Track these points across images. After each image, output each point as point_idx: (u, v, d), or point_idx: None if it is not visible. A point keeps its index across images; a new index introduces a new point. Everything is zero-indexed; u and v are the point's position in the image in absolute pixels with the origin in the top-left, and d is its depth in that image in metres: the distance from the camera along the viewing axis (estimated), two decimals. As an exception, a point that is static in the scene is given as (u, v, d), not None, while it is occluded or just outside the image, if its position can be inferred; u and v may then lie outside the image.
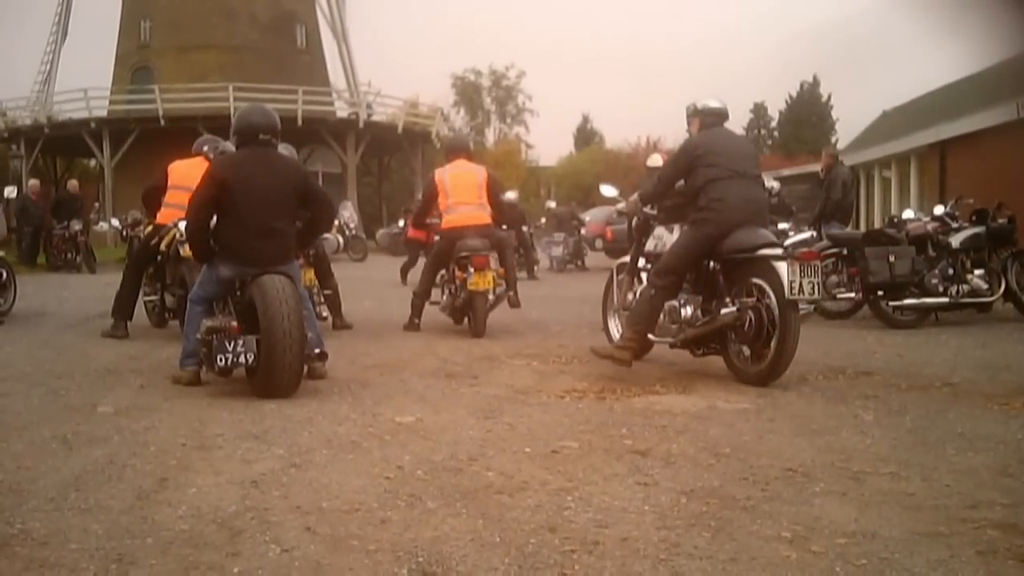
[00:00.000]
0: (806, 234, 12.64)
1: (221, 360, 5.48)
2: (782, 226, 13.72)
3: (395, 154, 39.43)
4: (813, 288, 5.80)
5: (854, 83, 74.62)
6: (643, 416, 5.08)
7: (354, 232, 24.46)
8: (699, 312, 6.28)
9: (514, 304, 8.87)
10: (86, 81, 53.63)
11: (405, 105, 37.48)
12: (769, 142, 61.91)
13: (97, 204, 29.84)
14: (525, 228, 17.73)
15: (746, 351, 6.15)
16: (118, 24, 37.98)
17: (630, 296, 7.03)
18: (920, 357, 7.24)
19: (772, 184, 15.58)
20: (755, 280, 5.98)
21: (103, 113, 34.02)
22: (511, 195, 18.94)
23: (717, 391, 5.80)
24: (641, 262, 6.96)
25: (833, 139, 53.14)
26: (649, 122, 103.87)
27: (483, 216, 8.75)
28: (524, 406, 5.38)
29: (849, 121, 64.65)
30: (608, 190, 9.20)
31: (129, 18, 37.22)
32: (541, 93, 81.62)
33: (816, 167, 16.33)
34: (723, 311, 6.08)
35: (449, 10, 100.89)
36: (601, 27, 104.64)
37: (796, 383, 6.05)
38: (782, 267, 5.79)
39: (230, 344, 5.48)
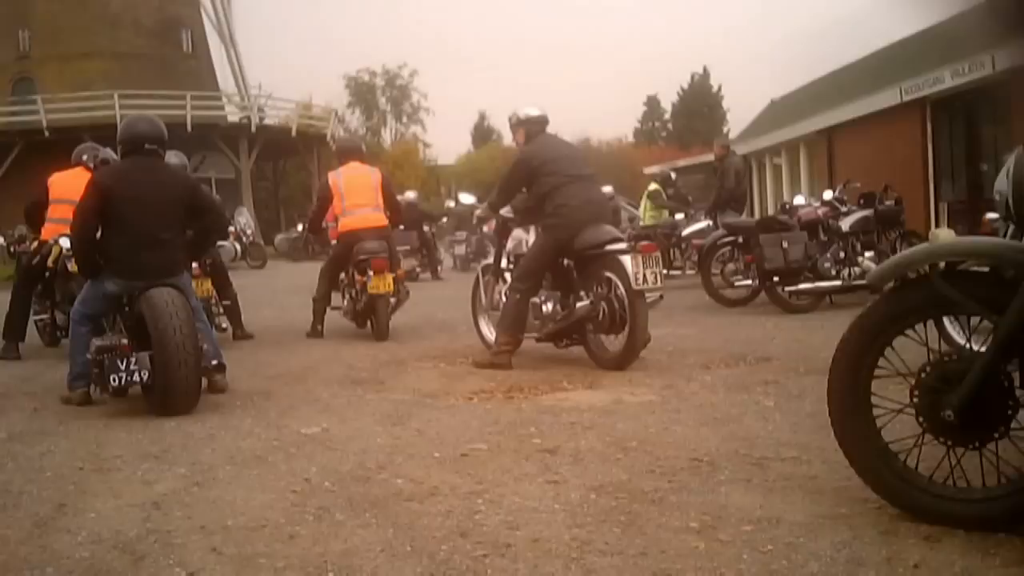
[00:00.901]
0: (702, 223, 12.91)
1: (114, 380, 5.32)
2: (678, 216, 14.01)
3: (290, 157, 38.93)
4: (655, 277, 6.31)
5: (742, 73, 76.17)
6: (551, 414, 5.10)
7: (252, 239, 24.06)
8: (558, 307, 6.74)
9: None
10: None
11: (298, 107, 37.14)
12: (664, 134, 62.87)
13: (-19, 221, 28.79)
14: (427, 228, 17.64)
15: (603, 339, 6.62)
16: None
17: (496, 295, 7.47)
18: (817, 340, 7.40)
19: (670, 175, 15.93)
20: (605, 273, 6.44)
21: (-17, 128, 32.87)
22: (411, 195, 18.87)
23: (623, 385, 5.86)
24: (504, 262, 7.39)
25: (725, 129, 54.21)
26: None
27: (380, 218, 8.69)
28: (432, 410, 5.35)
29: (739, 111, 65.96)
30: (466, 197, 9.72)
31: (5, 28, 35.94)
32: (436, 91, 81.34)
33: (710, 157, 16.67)
34: (579, 305, 6.52)
35: (338, 9, 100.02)
36: (492, 23, 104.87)
37: (699, 372, 6.15)
38: (627, 260, 6.28)
39: (122, 363, 5.32)
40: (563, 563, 2.91)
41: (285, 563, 2.99)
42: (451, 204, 24.68)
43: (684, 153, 41.17)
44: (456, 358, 7.17)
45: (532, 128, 7.00)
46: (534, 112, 7.05)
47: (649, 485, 3.68)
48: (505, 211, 7.30)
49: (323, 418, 5.21)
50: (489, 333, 7.46)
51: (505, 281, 7.30)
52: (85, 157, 8.10)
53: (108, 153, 8.16)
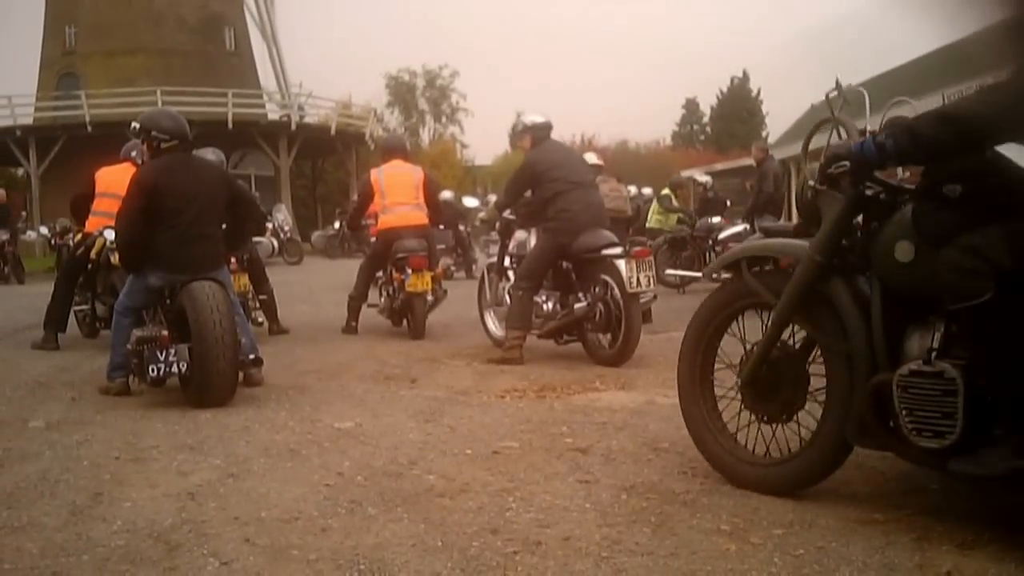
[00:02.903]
0: (739, 226, 12.84)
1: (153, 371, 5.39)
2: (715, 219, 13.94)
3: (329, 156, 39.07)
4: (648, 280, 6.70)
5: (783, 77, 75.74)
6: (583, 414, 5.10)
7: (289, 235, 24.22)
8: (558, 306, 7.12)
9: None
10: (10, 88, 52.58)
11: (338, 106, 37.26)
12: (702, 137, 62.60)
13: (25, 213, 29.16)
14: (462, 227, 17.66)
15: (600, 337, 6.96)
16: (42, 30, 37.26)
17: (500, 292, 7.87)
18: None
19: (705, 179, 15.84)
20: (602, 276, 6.78)
21: (28, 121, 33.24)
22: (447, 194, 18.90)
23: (655, 386, 5.84)
24: (507, 261, 7.79)
25: (764, 133, 53.89)
26: (583, 119, 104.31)
27: (420, 216, 8.71)
28: (464, 407, 5.37)
29: (779, 115, 65.59)
30: (470, 201, 10.04)
31: (53, 24, 36.50)
32: (475, 92, 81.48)
33: (748, 161, 16.55)
34: (576, 305, 6.84)
35: (380, 9, 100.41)
36: (532, 25, 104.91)
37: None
38: (622, 264, 6.63)
39: (161, 354, 5.39)
40: (593, 562, 2.91)
41: (317, 555, 3.02)
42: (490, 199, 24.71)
43: (722, 157, 40.98)
44: (489, 356, 7.18)
45: (538, 134, 7.36)
46: (539, 119, 7.44)
47: (681, 486, 3.68)
48: (507, 213, 7.67)
49: (356, 413, 5.25)
50: (493, 326, 8.03)
51: (508, 279, 7.69)
52: (134, 154, 8.17)
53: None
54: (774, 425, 3.65)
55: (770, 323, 3.55)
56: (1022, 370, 2.82)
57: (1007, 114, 2.82)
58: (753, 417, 3.68)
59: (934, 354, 3.02)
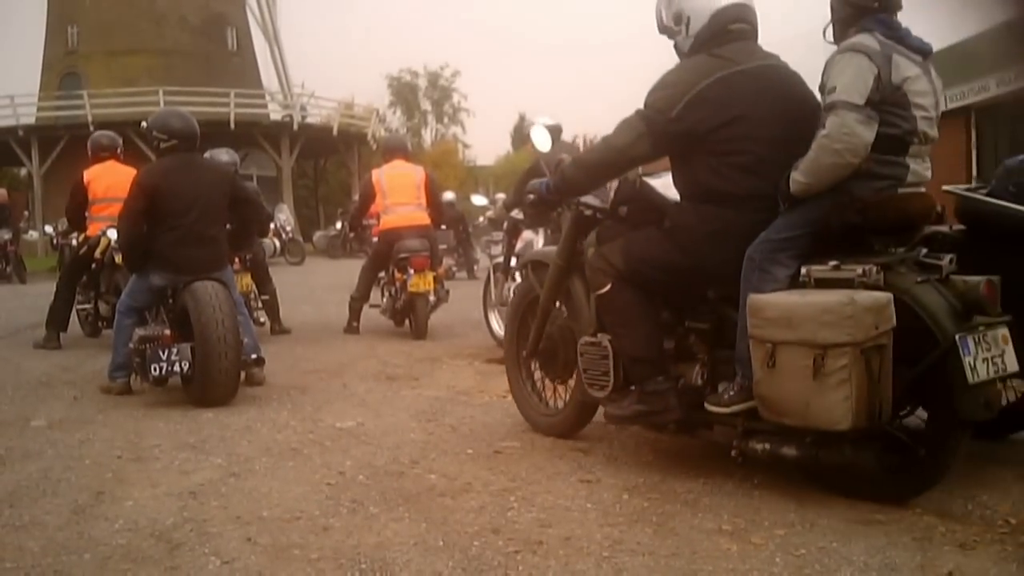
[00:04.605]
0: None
1: (155, 370, 5.39)
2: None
3: (331, 156, 39.10)
4: None
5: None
6: (584, 413, 5.09)
7: (291, 235, 24.20)
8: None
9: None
10: (12, 88, 52.50)
11: (340, 106, 37.25)
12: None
13: (27, 213, 29.19)
14: (464, 227, 17.65)
15: None
16: (44, 30, 37.30)
17: (505, 292, 7.78)
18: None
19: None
20: None
21: (31, 120, 33.23)
22: (449, 195, 18.89)
23: (657, 386, 5.83)
24: (513, 262, 7.69)
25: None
26: (585, 120, 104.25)
27: (422, 216, 8.69)
28: (466, 407, 5.37)
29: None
30: (478, 199, 10.42)
31: (55, 23, 36.53)
32: (477, 92, 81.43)
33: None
34: None
35: (382, 9, 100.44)
36: (535, 25, 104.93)
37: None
38: None
39: (164, 353, 5.39)
40: (594, 561, 2.91)
41: (319, 554, 3.02)
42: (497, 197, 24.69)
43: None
44: (491, 356, 7.17)
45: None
46: (549, 122, 7.39)
47: (682, 486, 3.68)
48: (515, 213, 7.58)
49: (358, 413, 5.25)
50: (497, 326, 7.91)
51: (514, 279, 7.59)
52: (105, 142, 8.10)
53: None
54: (565, 383, 4.51)
55: (539, 309, 4.52)
56: (629, 342, 3.85)
57: (609, 159, 3.85)
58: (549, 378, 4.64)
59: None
